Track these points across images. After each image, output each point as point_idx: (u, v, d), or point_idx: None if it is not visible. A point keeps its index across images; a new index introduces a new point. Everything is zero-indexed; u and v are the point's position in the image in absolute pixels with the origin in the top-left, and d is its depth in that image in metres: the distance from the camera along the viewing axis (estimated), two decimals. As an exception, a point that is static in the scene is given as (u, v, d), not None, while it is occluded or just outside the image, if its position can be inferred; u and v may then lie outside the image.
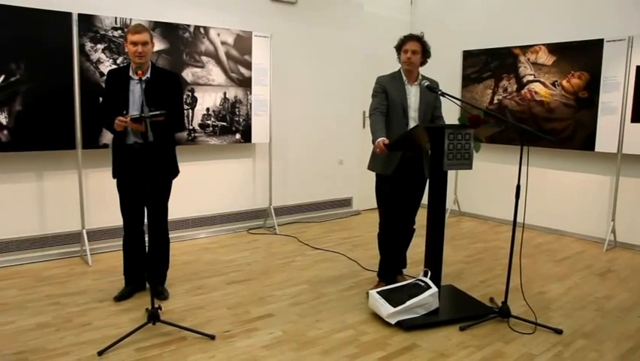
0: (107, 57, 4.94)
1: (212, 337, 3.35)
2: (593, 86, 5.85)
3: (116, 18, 4.98)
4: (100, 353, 3.09)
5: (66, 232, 5.07)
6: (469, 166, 3.71)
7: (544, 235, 6.35)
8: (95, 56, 4.89)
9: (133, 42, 3.62)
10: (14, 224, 4.84)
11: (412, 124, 3.98)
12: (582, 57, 5.93)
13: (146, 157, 3.59)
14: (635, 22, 5.65)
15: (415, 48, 3.96)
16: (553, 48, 6.20)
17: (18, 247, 4.86)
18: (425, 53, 4.04)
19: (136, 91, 3.72)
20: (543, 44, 6.30)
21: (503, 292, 3.79)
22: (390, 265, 4.30)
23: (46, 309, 3.77)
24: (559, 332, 3.54)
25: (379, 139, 3.76)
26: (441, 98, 4.05)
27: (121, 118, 3.55)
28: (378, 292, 3.75)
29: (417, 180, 4.08)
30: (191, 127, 5.54)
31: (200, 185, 5.93)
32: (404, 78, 4.05)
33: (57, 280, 4.42)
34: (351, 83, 7.12)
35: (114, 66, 4.86)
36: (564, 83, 6.10)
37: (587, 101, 5.91)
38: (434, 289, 3.69)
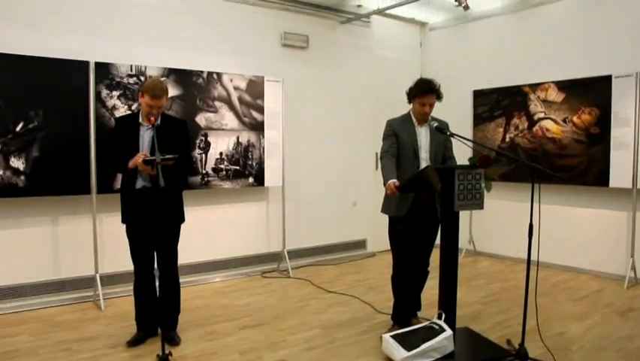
0: (122, 103, 5.05)
1: (223, 383, 3.31)
2: (603, 122, 5.84)
3: (131, 66, 5.11)
4: (110, 401, 3.06)
5: (80, 276, 5.09)
6: (480, 206, 3.68)
7: (562, 273, 6.24)
8: (110, 103, 4.99)
9: (149, 105, 3.71)
10: (29, 269, 4.87)
11: (423, 165, 3.99)
12: (591, 93, 5.94)
13: (155, 201, 3.61)
14: (642, 58, 5.68)
15: (432, 101, 3.99)
16: (563, 85, 6.23)
17: (32, 291, 4.88)
18: (438, 99, 4.07)
19: (146, 137, 3.80)
20: (552, 82, 6.33)
21: (520, 333, 3.71)
22: (405, 307, 4.24)
23: (57, 356, 3.76)
24: (579, 374, 3.45)
25: (390, 181, 3.76)
26: (451, 138, 4.07)
27: (140, 155, 3.61)
28: (392, 336, 3.69)
29: (430, 221, 4.05)
30: (204, 171, 5.59)
31: (214, 229, 5.95)
32: (414, 120, 4.08)
33: (70, 325, 4.41)
34: (362, 124, 7.17)
35: (129, 112, 4.96)
36: (575, 119, 6.10)
37: (598, 137, 5.89)
38: (449, 331, 3.63)
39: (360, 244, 7.36)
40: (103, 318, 4.60)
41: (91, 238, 4.98)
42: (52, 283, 4.99)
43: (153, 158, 3.43)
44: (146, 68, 5.18)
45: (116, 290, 5.20)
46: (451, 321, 3.76)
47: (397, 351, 3.55)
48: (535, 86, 6.51)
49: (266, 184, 6.11)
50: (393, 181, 3.74)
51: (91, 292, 5.09)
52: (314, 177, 6.82)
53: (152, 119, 3.63)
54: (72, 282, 5.08)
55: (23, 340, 4.07)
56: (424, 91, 3.97)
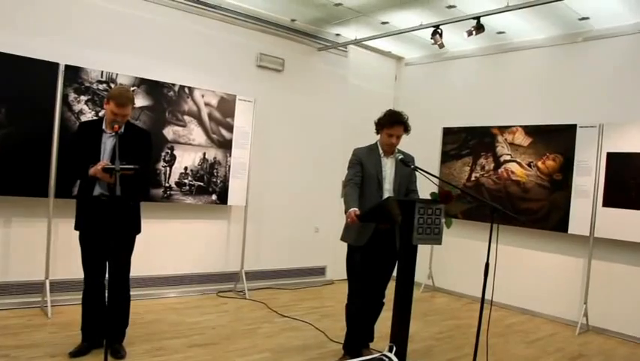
0: (89, 109, 4.98)
1: (164, 402, 3.22)
2: (566, 169, 5.97)
3: (102, 72, 5.06)
4: (44, 413, 2.95)
5: (29, 280, 4.95)
6: (438, 241, 3.69)
7: (517, 315, 6.29)
8: (77, 107, 4.92)
9: (114, 112, 3.67)
10: (-25, 270, 4.72)
11: (386, 196, 4.00)
12: (557, 140, 6.09)
13: (111, 210, 3.54)
14: (605, 111, 5.84)
15: (400, 133, 4.02)
16: (530, 130, 6.36)
17: (-24, 294, 4.73)
18: (405, 132, 4.10)
19: (108, 144, 3.75)
20: (520, 126, 6.46)
21: (470, 372, 3.71)
22: (357, 337, 4.20)
23: (-6, 362, 3.63)
24: (523, 417, 3.45)
25: (351, 209, 3.76)
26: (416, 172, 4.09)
27: (101, 163, 3.55)
28: (340, 365, 3.65)
29: (388, 253, 4.04)
30: (167, 185, 5.53)
31: (173, 243, 5.86)
32: (380, 151, 4.10)
33: (12, 330, 4.27)
34: (331, 151, 7.19)
35: (96, 118, 4.89)
36: (539, 164, 6.23)
37: (561, 183, 6.01)
38: (398, 364, 3.60)
39: (320, 271, 7.33)
40: (48, 325, 4.48)
41: (44, 243, 4.85)
42: (-1, 286, 4.84)
43: (113, 166, 3.37)
44: (117, 75, 5.13)
45: (65, 298, 5.06)
46: (401, 355, 3.73)
47: (345, 381, 3.51)
48: (503, 129, 6.64)
49: (229, 203, 6.07)
50: (354, 210, 3.74)
51: (39, 298, 4.94)
52: (278, 200, 6.79)
53: (117, 126, 3.58)
54: (20, 286, 4.93)
55: (-40, 343, 3.93)
56: (392, 122, 4.00)
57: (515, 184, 6.45)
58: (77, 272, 3.97)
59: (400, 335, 3.77)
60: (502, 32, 6.51)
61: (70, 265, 4.93)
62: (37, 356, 3.77)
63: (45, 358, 3.76)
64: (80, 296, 3.98)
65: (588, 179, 5.78)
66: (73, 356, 3.80)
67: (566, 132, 5.99)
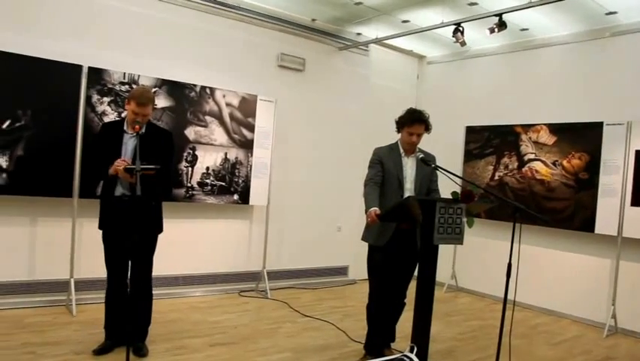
0: (112, 110, 5.04)
1: (185, 400, 3.24)
2: (593, 168, 5.86)
3: (124, 73, 5.11)
4: (67, 410, 3.00)
5: (54, 279, 5.03)
6: (459, 241, 3.66)
7: (542, 316, 6.20)
8: (100, 108, 4.98)
9: (134, 112, 3.71)
10: (3, 267, 4.82)
11: (406, 195, 3.97)
12: (582, 139, 5.98)
13: (133, 210, 3.56)
14: (633, 108, 5.71)
15: (421, 132, 3.99)
16: (555, 128, 6.27)
17: (4, 290, 4.81)
18: (426, 131, 4.07)
19: (129, 144, 3.78)
20: (544, 124, 6.37)
21: (492, 373, 3.66)
22: (378, 338, 4.19)
23: (19, 358, 3.69)
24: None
25: (371, 209, 3.74)
26: (438, 172, 4.06)
27: (120, 161, 3.59)
28: (361, 365, 3.63)
29: (409, 253, 4.00)
30: (189, 185, 5.57)
31: (195, 243, 5.90)
32: (401, 151, 4.08)
33: (38, 328, 4.34)
34: (353, 151, 7.16)
35: (118, 119, 4.94)
36: (565, 163, 6.13)
37: (587, 183, 5.91)
38: (419, 365, 3.58)
39: (342, 271, 7.31)
40: (73, 323, 4.54)
41: (69, 242, 4.92)
42: (26, 284, 4.92)
43: (134, 167, 3.40)
44: (139, 76, 5.19)
45: (89, 296, 5.12)
46: (423, 355, 3.71)
47: (365, 381, 3.49)
48: (527, 127, 6.55)
49: (251, 202, 6.09)
50: (374, 209, 3.72)
51: (64, 296, 5.01)
52: (300, 200, 6.80)
53: (137, 127, 3.61)
54: (46, 284, 5.01)
55: (-12, 340, 4.00)
56: (413, 120, 3.97)
57: (540, 183, 6.36)
58: (101, 271, 4.02)
59: (421, 336, 3.74)
60: (526, 29, 6.42)
61: (94, 264, 4.98)
62: (62, 354, 3.83)
63: (70, 355, 3.81)
64: (104, 295, 4.03)
65: (616, 178, 5.66)
66: (97, 354, 3.85)
67: (592, 130, 5.88)
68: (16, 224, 4.86)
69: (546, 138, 6.34)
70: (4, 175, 4.57)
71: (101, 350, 3.89)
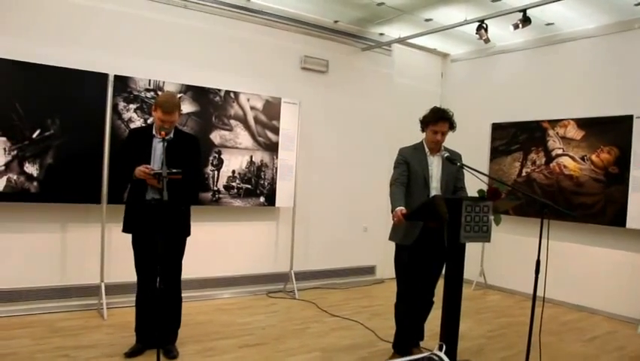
0: (138, 117, 5.11)
1: (215, 401, 3.27)
2: (623, 162, 5.75)
3: (149, 80, 5.19)
4: (100, 411, 3.05)
5: (85, 284, 5.12)
6: (487, 239, 3.63)
7: (573, 312, 6.10)
8: (126, 115, 5.06)
9: (161, 119, 3.77)
10: (35, 273, 4.92)
11: (433, 194, 3.95)
12: (611, 132, 5.88)
13: (161, 214, 3.61)
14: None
15: (445, 130, 3.97)
16: (582, 123, 6.17)
17: (36, 295, 4.92)
18: (450, 129, 4.05)
19: (158, 149, 3.84)
20: (572, 119, 6.27)
21: (522, 371, 3.62)
22: (406, 336, 4.17)
23: (54, 362, 3.77)
24: (580, 418, 3.34)
25: (397, 208, 3.73)
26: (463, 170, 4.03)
27: (146, 166, 3.64)
28: (390, 364, 3.62)
29: (437, 251, 3.97)
30: (215, 188, 5.62)
31: (222, 246, 5.96)
32: (426, 149, 4.06)
33: (70, 331, 4.42)
34: (378, 151, 7.15)
35: (145, 125, 5.02)
36: (593, 157, 6.03)
37: (617, 177, 5.80)
38: (448, 364, 3.55)
39: (369, 270, 7.30)
40: (104, 327, 4.61)
41: (98, 247, 5.01)
42: (57, 289, 5.02)
43: (160, 171, 3.45)
44: (164, 83, 5.26)
45: (120, 300, 5.19)
46: (452, 353, 3.68)
47: (394, 380, 3.48)
48: (554, 122, 6.46)
49: (277, 204, 6.12)
50: (400, 209, 3.71)
51: (95, 301, 5.11)
52: (326, 200, 6.81)
53: (163, 133, 3.66)
54: (77, 289, 5.10)
55: (23, 343, 4.08)
56: (437, 118, 3.95)
57: (568, 179, 6.26)
58: (131, 275, 4.08)
59: (449, 334, 3.72)
60: (551, 24, 6.33)
61: (124, 268, 5.07)
62: (94, 357, 3.90)
63: (102, 358, 3.88)
64: (134, 299, 4.09)
65: (647, 171, 5.55)
66: (128, 357, 3.92)
67: (622, 124, 5.77)
68: (47, 230, 4.97)
69: (574, 132, 6.25)
70: (35, 183, 4.67)
71: (132, 353, 3.95)
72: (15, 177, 4.59)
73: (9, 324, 4.53)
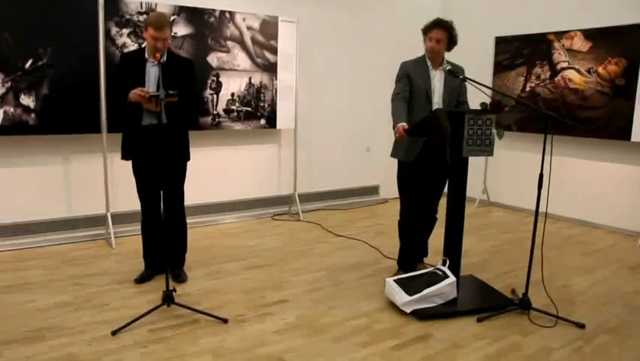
0: (132, 41, 4.97)
1: (224, 320, 3.36)
2: (630, 73, 5.61)
3: (141, 3, 5.00)
4: (114, 333, 3.14)
5: (92, 214, 5.16)
6: (489, 153, 3.60)
7: (576, 227, 6.16)
8: (120, 41, 4.92)
9: (153, 37, 3.63)
10: (42, 206, 4.95)
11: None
12: (620, 43, 5.70)
13: (160, 139, 3.57)
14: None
15: (439, 37, 3.85)
16: (590, 34, 5.98)
17: (45, 228, 4.97)
18: (451, 40, 3.92)
19: (151, 73, 3.74)
20: (579, 30, 6.08)
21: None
22: (410, 253, 4.23)
23: (67, 289, 3.84)
24: (581, 326, 3.43)
25: (399, 124, 3.68)
26: (467, 84, 3.95)
27: (142, 89, 3.57)
28: (395, 280, 3.69)
29: (439, 167, 3.96)
30: (215, 112, 5.55)
31: (225, 170, 5.95)
32: (428, 63, 3.95)
33: (81, 261, 4.50)
34: (379, 70, 7.00)
35: (137, 48, 4.87)
36: (600, 69, 5.88)
37: (624, 89, 5.68)
38: (452, 278, 3.62)
39: (373, 190, 7.33)
40: (113, 255, 4.68)
41: (102, 177, 5.01)
42: (65, 221, 5.07)
43: (157, 94, 3.38)
44: (156, 5, 5.07)
45: (127, 229, 5.26)
46: (455, 268, 3.75)
47: (399, 295, 3.56)
48: (560, 34, 6.26)
49: (278, 126, 6.06)
50: (402, 124, 3.66)
51: (103, 230, 5.16)
52: (327, 121, 6.74)
53: (158, 55, 3.56)
54: (84, 220, 5.15)
55: (36, 273, 4.17)
56: (432, 24, 3.87)
57: (573, 93, 6.14)
58: (135, 204, 4.10)
59: (453, 249, 3.77)
60: None
61: (129, 197, 5.08)
62: (105, 283, 3.98)
63: (113, 284, 3.96)
64: (139, 226, 4.13)
65: (654, 82, 5.43)
66: (138, 282, 4.00)
67: (631, 33, 5.57)
68: (49, 163, 4.95)
69: (580, 44, 6.07)
70: (33, 115, 4.61)
71: (141, 279, 4.03)
72: (12, 109, 4.52)
73: (21, 256, 4.61)
